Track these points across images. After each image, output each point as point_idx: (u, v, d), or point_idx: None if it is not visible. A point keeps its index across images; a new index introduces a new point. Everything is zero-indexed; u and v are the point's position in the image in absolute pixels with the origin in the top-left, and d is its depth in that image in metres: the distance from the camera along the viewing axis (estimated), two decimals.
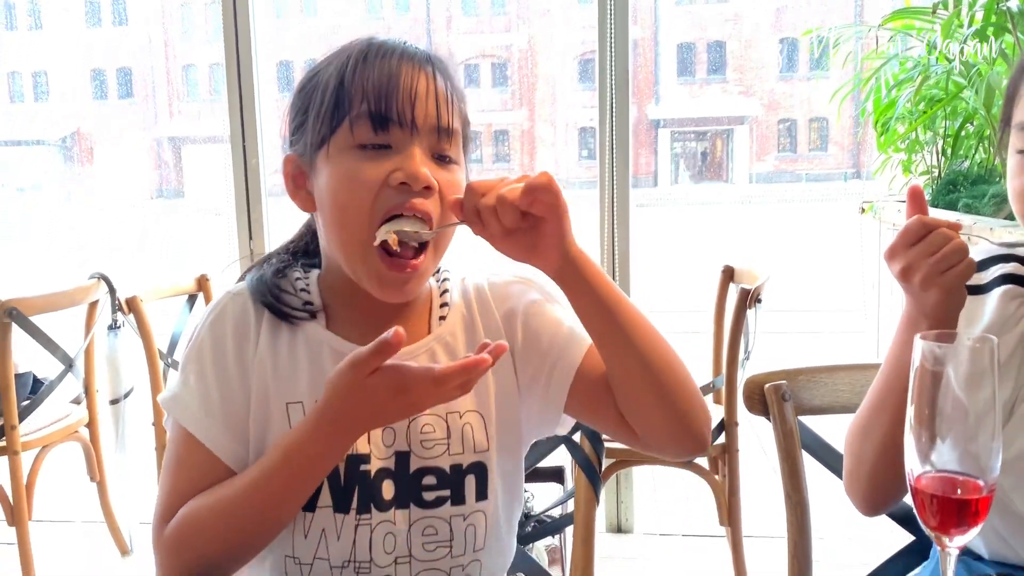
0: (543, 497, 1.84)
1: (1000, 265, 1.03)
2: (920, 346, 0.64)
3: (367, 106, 0.87)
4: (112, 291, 2.56)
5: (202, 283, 2.68)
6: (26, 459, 2.38)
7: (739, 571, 2.31)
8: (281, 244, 1.05)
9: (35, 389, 2.56)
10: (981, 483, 0.63)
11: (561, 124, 29.25)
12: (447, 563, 0.93)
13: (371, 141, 0.87)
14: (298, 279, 0.98)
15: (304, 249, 1.04)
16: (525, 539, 1.63)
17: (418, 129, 0.88)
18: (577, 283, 0.87)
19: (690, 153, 30.19)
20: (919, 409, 0.64)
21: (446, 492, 0.93)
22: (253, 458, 0.92)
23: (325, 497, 0.91)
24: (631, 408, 0.91)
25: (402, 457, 0.92)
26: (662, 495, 3.06)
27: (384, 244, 0.87)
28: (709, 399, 2.58)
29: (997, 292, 1.01)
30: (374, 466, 0.92)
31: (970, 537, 0.64)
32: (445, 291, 1.01)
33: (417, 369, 0.79)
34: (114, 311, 2.58)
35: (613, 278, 2.74)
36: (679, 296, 7.50)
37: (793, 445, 1.25)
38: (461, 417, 0.94)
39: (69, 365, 2.51)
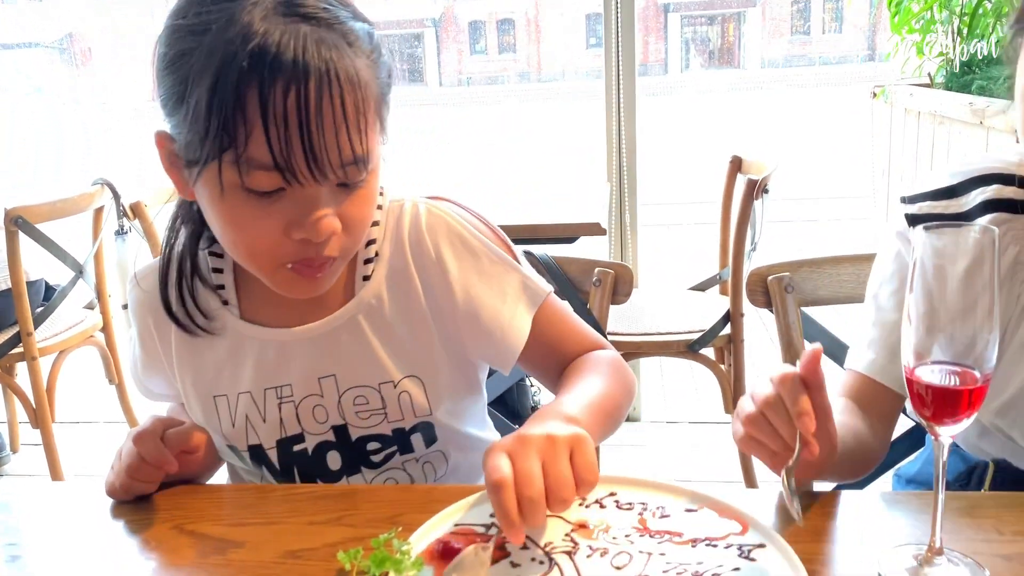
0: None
1: (980, 189, 0.93)
2: (921, 238, 0.64)
3: (262, 152, 0.72)
4: (116, 197, 2.55)
5: None
6: (45, 364, 2.43)
7: (744, 456, 2.37)
8: (162, 254, 0.92)
9: (48, 296, 2.59)
10: (977, 374, 0.63)
11: (568, 10, 28.32)
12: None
13: (263, 189, 0.75)
14: (211, 257, 0.92)
15: (191, 241, 0.92)
16: None
17: (325, 176, 0.75)
18: None
19: (701, 38, 29.29)
20: (917, 301, 0.64)
21: (393, 448, 0.92)
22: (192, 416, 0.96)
23: (269, 479, 0.94)
24: None
25: (340, 429, 0.91)
26: (669, 385, 3.11)
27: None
28: (715, 291, 2.59)
29: (981, 222, 0.90)
30: (311, 443, 0.92)
31: (963, 427, 0.65)
32: (372, 241, 0.90)
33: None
34: (119, 216, 2.58)
35: (620, 171, 2.73)
36: (688, 187, 7.43)
37: (795, 336, 1.26)
38: (396, 386, 0.90)
39: (79, 272, 2.53)
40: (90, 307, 2.72)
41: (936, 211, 0.95)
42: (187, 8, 0.75)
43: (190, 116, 0.74)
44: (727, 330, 2.25)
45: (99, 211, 2.56)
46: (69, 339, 2.53)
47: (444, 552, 0.70)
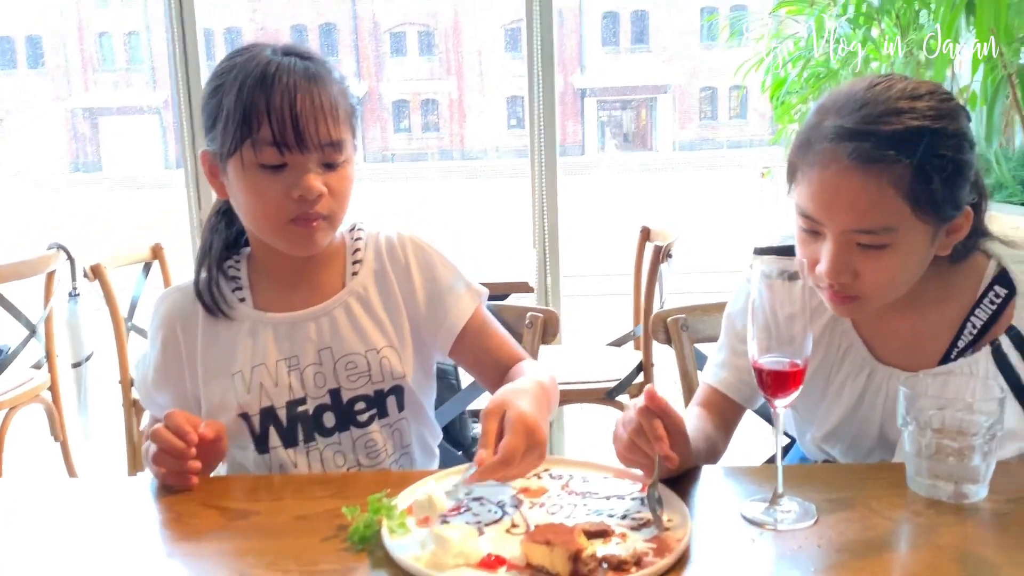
0: None
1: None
2: (760, 268, 0.91)
3: (267, 134, 1.05)
4: (71, 260, 2.70)
5: (156, 251, 2.83)
6: None
7: None
8: (200, 246, 1.23)
9: None
10: (799, 362, 0.90)
11: (489, 93, 29.27)
12: (385, 465, 1.20)
13: (270, 163, 1.07)
14: (230, 268, 1.21)
15: (222, 236, 1.22)
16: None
17: (309, 150, 1.07)
18: None
19: (615, 122, 30.59)
20: (761, 317, 0.91)
21: (374, 411, 1.19)
22: (205, 413, 1.17)
23: (274, 439, 1.17)
24: None
25: (334, 392, 1.17)
26: (588, 428, 3.36)
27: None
28: (630, 346, 2.88)
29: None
30: (311, 405, 1.17)
31: (791, 399, 0.92)
32: (357, 249, 1.22)
33: None
34: (74, 279, 2.72)
35: (544, 238, 3.02)
36: (603, 259, 7.83)
37: (690, 367, 1.53)
38: (378, 353, 1.17)
39: (32, 331, 2.65)
40: (37, 366, 2.83)
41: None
42: (225, 61, 1.12)
43: (223, 120, 1.08)
44: (640, 378, 2.53)
45: (51, 275, 2.70)
46: (18, 396, 2.63)
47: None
